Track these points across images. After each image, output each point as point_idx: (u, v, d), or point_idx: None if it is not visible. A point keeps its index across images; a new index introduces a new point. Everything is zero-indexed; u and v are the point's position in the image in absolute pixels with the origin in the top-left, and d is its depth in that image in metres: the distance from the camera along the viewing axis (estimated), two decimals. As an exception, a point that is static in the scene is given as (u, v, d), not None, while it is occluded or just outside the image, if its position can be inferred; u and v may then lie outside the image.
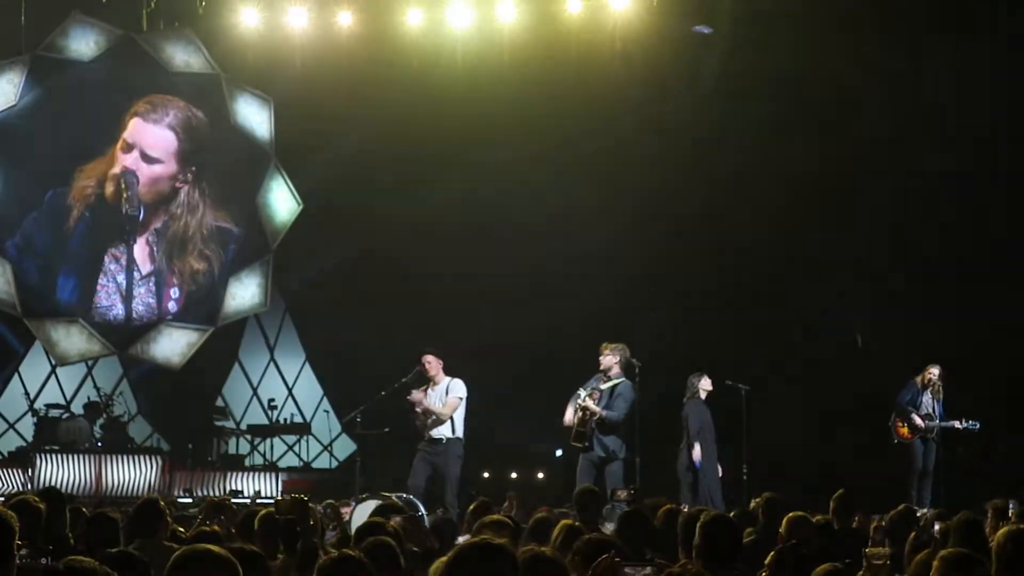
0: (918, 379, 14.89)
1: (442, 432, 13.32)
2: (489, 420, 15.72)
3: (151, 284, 18.30)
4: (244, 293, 18.96)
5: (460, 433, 13.35)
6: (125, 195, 17.91)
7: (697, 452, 13.79)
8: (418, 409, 13.31)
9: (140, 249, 18.21)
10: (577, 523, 7.78)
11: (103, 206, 17.97)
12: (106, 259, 18.11)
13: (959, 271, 16.97)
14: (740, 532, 6.98)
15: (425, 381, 13.52)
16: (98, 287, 18.08)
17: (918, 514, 12.83)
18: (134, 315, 18.25)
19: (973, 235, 17.16)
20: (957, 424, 14.63)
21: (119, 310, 18.18)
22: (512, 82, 17.55)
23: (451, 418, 13.29)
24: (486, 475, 18.76)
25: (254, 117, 19.06)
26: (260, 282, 19.01)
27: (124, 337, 18.32)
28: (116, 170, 17.96)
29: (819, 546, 7.39)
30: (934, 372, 14.83)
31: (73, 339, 18.07)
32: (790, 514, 7.84)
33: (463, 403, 13.40)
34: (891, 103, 17.41)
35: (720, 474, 14.07)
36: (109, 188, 17.93)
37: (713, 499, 13.63)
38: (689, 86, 17.99)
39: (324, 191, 18.99)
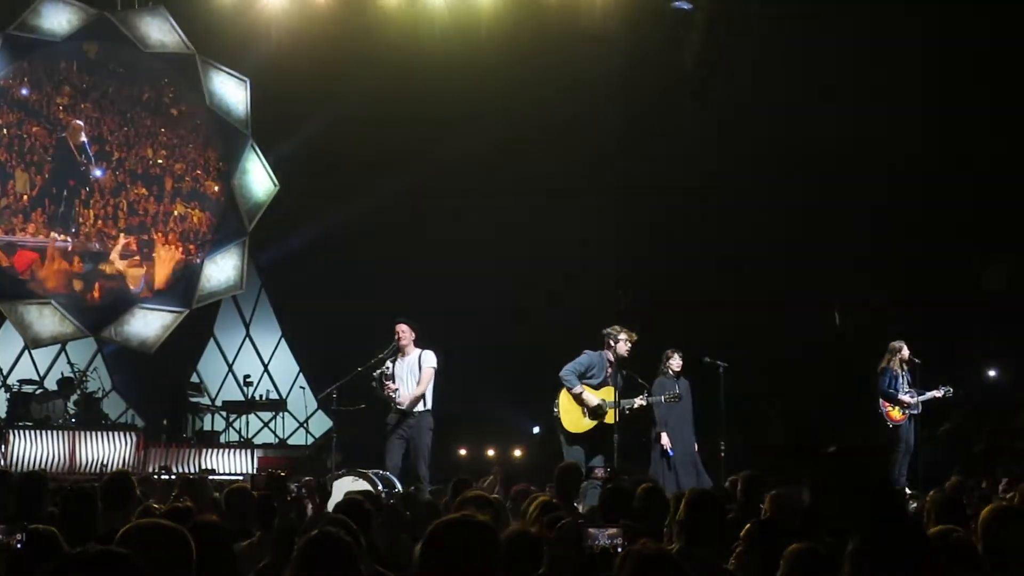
0: (893, 363, 14.56)
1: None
2: (465, 397, 15.65)
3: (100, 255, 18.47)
4: (220, 275, 18.92)
5: (430, 405, 13.20)
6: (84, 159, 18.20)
7: (665, 440, 13.55)
8: (392, 385, 13.13)
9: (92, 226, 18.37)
10: (553, 499, 7.78)
11: (58, 186, 18.16)
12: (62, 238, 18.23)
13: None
14: (724, 510, 6.94)
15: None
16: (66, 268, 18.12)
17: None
18: (101, 293, 18.25)
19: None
20: (937, 393, 14.49)
21: (85, 288, 18.21)
22: (491, 59, 17.50)
23: None
24: (463, 452, 18.77)
25: (230, 97, 18.97)
26: (236, 264, 19.00)
27: (97, 319, 18.25)
28: (80, 138, 18.23)
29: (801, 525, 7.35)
30: (905, 351, 14.58)
31: (46, 321, 17.97)
32: (773, 492, 7.79)
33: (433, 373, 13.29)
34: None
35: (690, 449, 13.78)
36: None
37: (678, 476, 13.44)
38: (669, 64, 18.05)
39: (299, 168, 18.91)
